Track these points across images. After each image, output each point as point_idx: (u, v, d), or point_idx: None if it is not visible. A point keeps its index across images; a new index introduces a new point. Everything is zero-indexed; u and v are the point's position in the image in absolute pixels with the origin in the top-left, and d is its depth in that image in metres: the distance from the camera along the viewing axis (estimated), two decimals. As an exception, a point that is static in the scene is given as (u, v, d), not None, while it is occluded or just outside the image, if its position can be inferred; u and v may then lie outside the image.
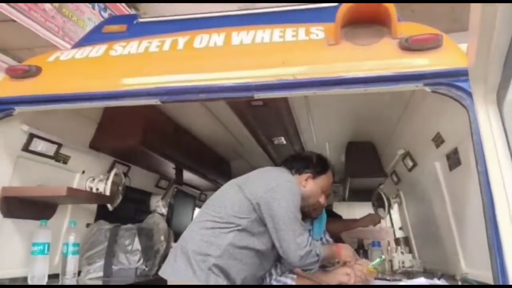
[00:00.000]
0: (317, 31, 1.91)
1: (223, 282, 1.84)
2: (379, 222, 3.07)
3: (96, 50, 2.11)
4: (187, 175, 3.65)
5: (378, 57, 1.72)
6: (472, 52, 1.47)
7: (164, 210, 3.34)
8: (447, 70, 1.62)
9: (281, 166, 2.18)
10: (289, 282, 2.25)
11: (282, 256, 1.89)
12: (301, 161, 2.14)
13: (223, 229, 1.87)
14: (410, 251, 2.91)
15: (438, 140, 2.07)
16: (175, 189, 4.04)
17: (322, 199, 2.14)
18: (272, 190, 1.89)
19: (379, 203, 3.62)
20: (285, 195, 1.88)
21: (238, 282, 1.89)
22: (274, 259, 2.12)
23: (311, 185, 2.08)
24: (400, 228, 3.59)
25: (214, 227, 1.89)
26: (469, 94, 1.56)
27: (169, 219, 3.72)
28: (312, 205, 2.14)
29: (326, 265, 2.12)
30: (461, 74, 1.59)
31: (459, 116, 1.62)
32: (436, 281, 1.77)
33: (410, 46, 1.69)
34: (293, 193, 1.92)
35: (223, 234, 1.87)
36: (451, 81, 1.61)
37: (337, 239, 3.15)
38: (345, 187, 4.01)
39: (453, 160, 1.98)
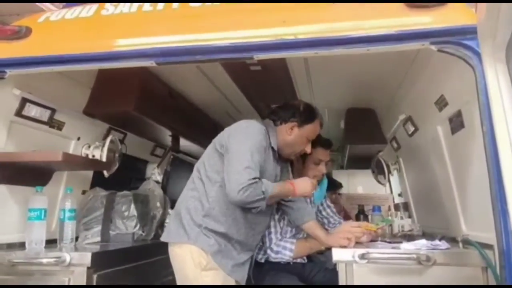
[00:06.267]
0: (319, -11, 1.82)
1: (214, 241, 1.86)
2: None
3: (87, 10, 2.02)
4: (185, 144, 3.61)
5: (382, 15, 1.64)
6: (481, 7, 1.41)
7: (159, 178, 3.33)
8: (454, 27, 1.55)
9: (266, 117, 2.16)
10: (289, 246, 2.27)
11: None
12: (288, 110, 2.11)
13: (207, 185, 1.92)
14: (409, 216, 2.93)
15: (442, 103, 2.03)
16: (172, 157, 4.00)
17: (308, 148, 2.14)
18: (231, 131, 1.96)
19: (378, 170, 3.62)
20: (240, 132, 1.92)
21: (234, 237, 1.92)
22: (270, 213, 2.14)
23: (296, 134, 2.07)
24: (399, 195, 3.61)
25: (199, 185, 1.94)
26: (477, 53, 1.50)
27: (164, 186, 3.72)
28: (297, 153, 2.17)
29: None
30: (469, 31, 1.52)
31: (465, 77, 1.57)
32: (437, 242, 1.77)
33: (415, 3, 1.62)
34: (250, 131, 1.92)
35: (207, 191, 1.91)
36: (459, 39, 1.54)
37: (342, 210, 3.17)
38: (344, 154, 3.99)
39: (456, 123, 1.95)
